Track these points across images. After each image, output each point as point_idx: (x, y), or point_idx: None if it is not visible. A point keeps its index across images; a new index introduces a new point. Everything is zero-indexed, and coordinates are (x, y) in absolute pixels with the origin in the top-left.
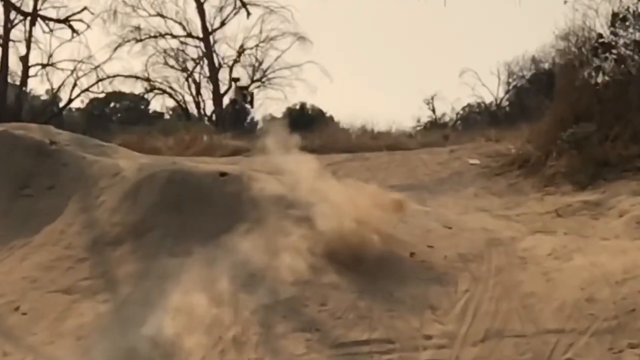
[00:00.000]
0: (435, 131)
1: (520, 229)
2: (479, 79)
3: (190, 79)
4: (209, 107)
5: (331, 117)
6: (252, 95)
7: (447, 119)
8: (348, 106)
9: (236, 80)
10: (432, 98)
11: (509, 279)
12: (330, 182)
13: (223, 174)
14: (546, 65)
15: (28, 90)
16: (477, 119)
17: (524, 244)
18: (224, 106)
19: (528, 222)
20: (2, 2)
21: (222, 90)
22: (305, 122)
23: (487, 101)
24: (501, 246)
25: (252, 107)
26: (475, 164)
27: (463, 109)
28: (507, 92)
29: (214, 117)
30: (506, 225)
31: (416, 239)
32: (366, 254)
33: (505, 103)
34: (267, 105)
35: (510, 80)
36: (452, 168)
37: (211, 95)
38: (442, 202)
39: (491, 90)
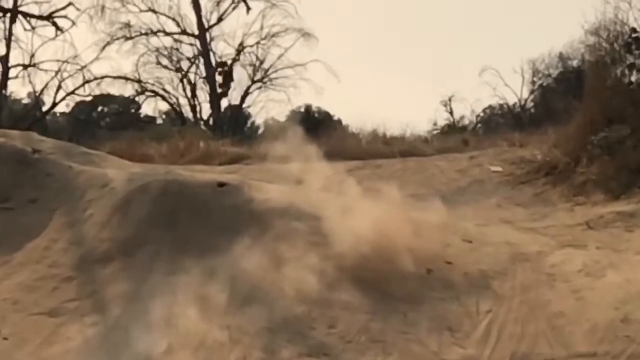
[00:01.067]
0: (454, 136)
1: (547, 243)
2: (501, 78)
3: (185, 80)
4: (206, 110)
5: (339, 121)
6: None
7: (466, 122)
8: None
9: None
10: (450, 99)
11: (535, 298)
12: (342, 191)
13: (222, 185)
14: (575, 63)
15: (8, 94)
16: (500, 122)
17: (552, 260)
18: (222, 110)
19: (556, 235)
20: None
21: (219, 91)
22: (310, 126)
23: (511, 102)
24: (527, 262)
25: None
26: (497, 171)
27: (484, 111)
28: (532, 92)
29: (211, 122)
30: (532, 239)
31: (434, 255)
32: (379, 271)
33: (530, 104)
34: (269, 108)
35: (536, 79)
36: (472, 176)
37: (208, 98)
38: (461, 213)
39: (515, 90)
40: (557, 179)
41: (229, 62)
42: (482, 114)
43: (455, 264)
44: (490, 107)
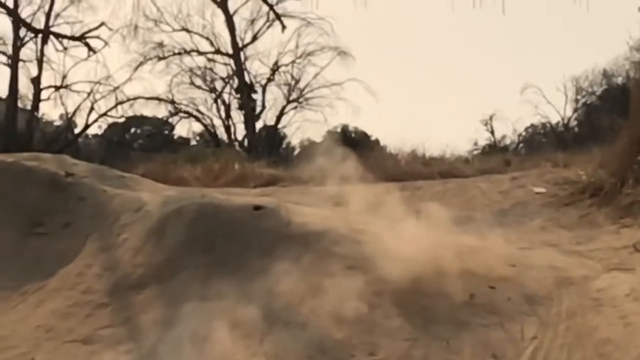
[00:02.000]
0: (495, 156)
1: (593, 267)
2: (543, 96)
3: (219, 101)
4: (240, 131)
5: (377, 141)
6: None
7: (507, 141)
8: (396, 128)
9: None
10: (491, 118)
11: (581, 324)
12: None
13: (257, 208)
14: (619, 80)
15: (40, 116)
16: (542, 142)
17: (598, 284)
18: (256, 130)
19: (602, 258)
20: (11, 18)
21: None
22: (347, 146)
23: (553, 121)
24: (572, 286)
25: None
26: (541, 192)
27: (526, 130)
28: (575, 110)
29: (245, 143)
30: (578, 262)
31: (476, 279)
32: (421, 296)
33: (573, 123)
34: (305, 128)
35: (579, 97)
36: (514, 198)
37: (242, 119)
38: (504, 236)
39: (557, 108)
40: (603, 200)
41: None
42: (523, 133)
43: (499, 288)
44: (532, 125)
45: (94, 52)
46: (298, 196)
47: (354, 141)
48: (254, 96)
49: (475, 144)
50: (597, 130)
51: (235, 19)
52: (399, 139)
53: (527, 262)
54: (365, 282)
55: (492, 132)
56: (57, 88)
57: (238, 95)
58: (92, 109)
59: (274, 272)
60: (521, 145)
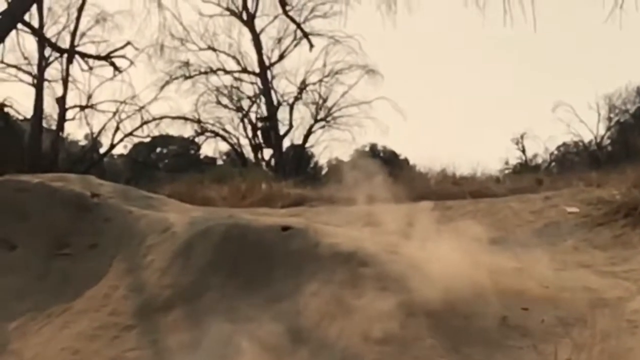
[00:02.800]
0: (527, 175)
1: (628, 288)
2: (575, 114)
3: (245, 120)
4: (267, 150)
5: (406, 160)
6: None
7: (539, 160)
8: (425, 147)
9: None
10: (522, 137)
11: (616, 346)
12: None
13: (286, 228)
14: None
15: (65, 136)
16: (575, 161)
17: (633, 305)
18: (284, 149)
19: (638, 279)
20: (37, 38)
21: (281, 132)
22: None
23: (586, 139)
24: (607, 308)
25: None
26: (574, 212)
27: (558, 148)
28: (608, 128)
29: (272, 163)
30: (612, 284)
31: (508, 301)
32: (452, 318)
33: (606, 141)
34: (333, 147)
35: (612, 115)
36: (547, 218)
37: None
38: (536, 257)
39: (590, 127)
40: (637, 220)
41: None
42: (555, 152)
43: (532, 310)
44: (564, 144)
45: (120, 71)
46: (327, 216)
47: (382, 160)
48: (281, 115)
49: (507, 163)
50: (630, 149)
51: (262, 37)
52: (428, 157)
53: (561, 283)
54: (396, 303)
55: (524, 151)
56: (82, 108)
57: (264, 121)
58: (117, 128)
59: (303, 293)
60: (553, 164)
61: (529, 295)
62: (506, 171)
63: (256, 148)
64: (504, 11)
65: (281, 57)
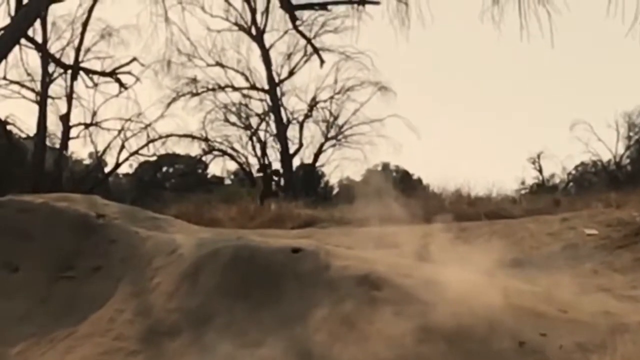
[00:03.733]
0: (544, 195)
1: None
2: (593, 132)
3: (254, 138)
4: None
5: (419, 180)
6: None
7: (557, 180)
8: (439, 167)
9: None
10: (539, 156)
11: None
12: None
13: (296, 250)
14: None
15: (69, 154)
16: (593, 181)
17: None
18: (293, 168)
19: None
20: (40, 54)
21: (291, 150)
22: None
23: (605, 159)
24: (627, 333)
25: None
26: (592, 234)
27: (575, 168)
28: (627, 147)
29: (282, 182)
30: (633, 308)
31: (525, 326)
32: (467, 344)
33: (626, 161)
34: (344, 166)
35: (632, 133)
36: (565, 240)
37: (279, 156)
38: (554, 280)
39: (609, 145)
40: None
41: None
42: (573, 172)
43: (549, 335)
44: (582, 164)
45: (125, 88)
46: (338, 238)
47: (395, 180)
48: (290, 133)
49: (523, 183)
50: None
51: (272, 53)
52: (442, 177)
53: (580, 307)
54: (410, 327)
55: (541, 171)
56: (86, 125)
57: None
58: (122, 147)
59: (314, 317)
60: (571, 184)
61: (547, 320)
62: (523, 191)
63: (265, 167)
64: (521, 26)
65: (291, 73)
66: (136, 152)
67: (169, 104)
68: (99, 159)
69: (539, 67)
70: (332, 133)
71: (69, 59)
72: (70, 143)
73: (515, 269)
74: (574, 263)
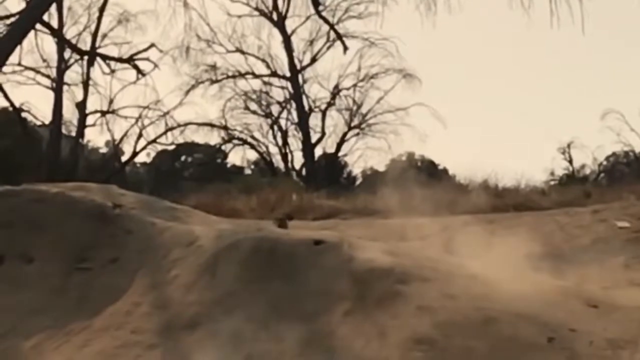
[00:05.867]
0: (574, 187)
1: None
2: (625, 122)
3: (275, 127)
4: (298, 159)
5: (445, 170)
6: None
7: (587, 171)
8: (465, 157)
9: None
10: (569, 146)
11: None
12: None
13: (318, 242)
14: None
15: (85, 142)
16: (625, 172)
17: None
18: (315, 158)
19: None
20: (56, 39)
21: (313, 140)
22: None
23: (637, 149)
24: None
25: None
26: (624, 227)
27: (607, 159)
28: None
29: (304, 172)
30: None
31: (555, 321)
32: (494, 340)
33: None
34: (367, 156)
35: None
36: (596, 233)
37: (300, 146)
38: (584, 274)
39: None
40: None
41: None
42: (604, 162)
43: (579, 331)
44: (613, 154)
45: (143, 74)
46: (361, 230)
47: (420, 170)
48: (312, 122)
49: (552, 174)
50: None
51: (293, 39)
52: (469, 168)
53: (611, 302)
54: (435, 323)
55: (570, 161)
56: (103, 113)
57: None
58: (140, 135)
59: (336, 312)
60: (602, 175)
61: (577, 316)
62: (552, 183)
63: (286, 156)
64: (551, 12)
65: (313, 60)
66: (154, 141)
67: (187, 92)
68: (115, 148)
69: (569, 55)
70: (355, 122)
71: (85, 45)
72: (87, 131)
73: (544, 263)
74: (605, 257)
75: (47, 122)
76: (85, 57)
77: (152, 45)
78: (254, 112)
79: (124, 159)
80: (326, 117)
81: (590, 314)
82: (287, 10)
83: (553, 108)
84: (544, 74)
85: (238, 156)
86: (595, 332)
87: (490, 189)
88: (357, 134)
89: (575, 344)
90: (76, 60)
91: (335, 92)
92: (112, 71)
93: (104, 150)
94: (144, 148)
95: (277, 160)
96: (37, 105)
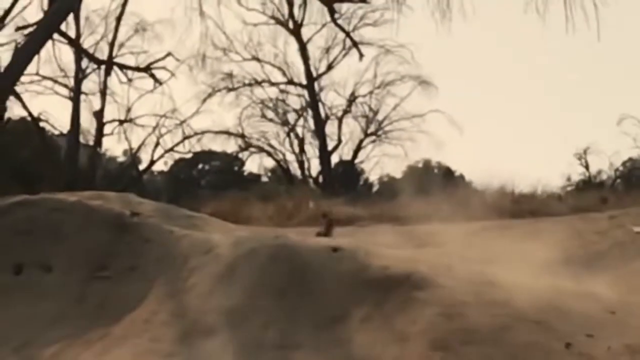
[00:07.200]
0: (590, 192)
1: None
2: None
3: (292, 134)
4: (315, 166)
5: (462, 177)
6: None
7: (604, 177)
8: (482, 163)
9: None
10: (585, 152)
11: None
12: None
13: (335, 249)
14: None
15: (103, 151)
16: None
17: None
18: (332, 166)
19: None
20: (73, 49)
21: (330, 147)
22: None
23: None
24: None
25: None
26: None
27: (623, 164)
28: None
29: (320, 179)
30: None
31: (572, 327)
32: (513, 346)
33: None
34: (384, 163)
35: None
36: (613, 238)
37: (317, 153)
38: (601, 280)
39: None
40: None
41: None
42: (621, 168)
43: (597, 336)
44: (630, 159)
45: (160, 83)
46: (378, 236)
47: (437, 177)
48: (329, 129)
49: (569, 179)
50: None
51: (309, 47)
52: (485, 174)
53: (628, 308)
54: (452, 330)
55: (587, 167)
56: (121, 122)
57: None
58: (157, 144)
59: (354, 318)
60: (619, 180)
61: (594, 321)
62: (568, 188)
63: (303, 164)
64: (566, 18)
65: (329, 67)
66: (171, 149)
67: (204, 100)
68: (133, 156)
69: (585, 61)
70: (371, 129)
71: (102, 54)
72: (104, 140)
73: (561, 268)
74: (622, 262)
75: (65, 131)
76: (103, 67)
77: (169, 54)
78: (271, 120)
79: (141, 167)
80: (342, 124)
81: (607, 319)
82: (303, 18)
83: (569, 114)
84: (560, 79)
85: (255, 164)
86: (612, 338)
87: (507, 195)
88: (374, 141)
89: (593, 350)
90: (93, 70)
91: (352, 99)
92: (129, 80)
93: (121, 159)
94: (161, 156)
95: (294, 168)
96: (55, 114)
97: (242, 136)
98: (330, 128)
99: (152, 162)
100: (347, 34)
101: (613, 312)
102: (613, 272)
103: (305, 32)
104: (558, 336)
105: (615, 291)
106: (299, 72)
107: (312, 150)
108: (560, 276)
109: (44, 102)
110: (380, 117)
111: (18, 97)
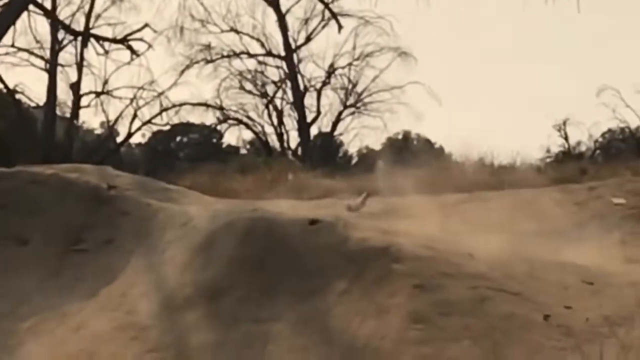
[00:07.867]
0: (570, 164)
1: None
2: (621, 98)
3: (270, 106)
4: (294, 138)
5: (441, 149)
6: None
7: (583, 148)
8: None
9: None
10: (564, 123)
11: None
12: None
13: (313, 222)
14: None
15: (80, 124)
16: (621, 148)
17: None
18: (311, 138)
19: None
20: (49, 20)
21: (309, 119)
22: (409, 154)
23: (633, 125)
24: None
25: None
26: (620, 204)
27: (602, 135)
28: None
29: (299, 151)
30: None
31: (550, 298)
32: (490, 318)
33: None
34: (363, 135)
35: None
36: (592, 209)
37: (296, 125)
38: (580, 251)
39: (637, 112)
40: None
41: None
42: (600, 139)
43: (575, 308)
44: (609, 130)
45: (137, 55)
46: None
47: (416, 149)
48: (308, 101)
49: (548, 151)
50: None
51: (288, 18)
52: (464, 146)
53: (606, 279)
54: (430, 302)
55: (566, 138)
56: (97, 94)
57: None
58: (135, 116)
59: (332, 291)
60: (598, 152)
61: (573, 293)
62: (548, 160)
63: (281, 136)
64: None
65: (308, 39)
66: (149, 122)
67: (182, 72)
68: (110, 129)
69: (564, 32)
70: (350, 101)
71: (79, 26)
72: (81, 112)
73: (540, 240)
74: (601, 233)
75: (41, 103)
76: (79, 38)
77: (146, 25)
78: (249, 92)
79: (119, 140)
80: (321, 96)
81: (586, 290)
82: None
83: (549, 85)
84: (540, 51)
85: (233, 136)
86: (591, 309)
87: (486, 167)
88: (353, 113)
89: (571, 321)
90: (70, 41)
91: (331, 71)
92: (106, 52)
93: (98, 131)
94: (139, 129)
95: (273, 140)
96: (31, 86)
97: (221, 108)
98: (309, 100)
99: (130, 135)
100: (326, 5)
101: (591, 283)
102: (592, 243)
103: (284, 3)
104: (537, 308)
105: (594, 262)
106: (277, 44)
107: (291, 123)
108: (540, 247)
109: (20, 74)
110: (359, 88)
111: None
